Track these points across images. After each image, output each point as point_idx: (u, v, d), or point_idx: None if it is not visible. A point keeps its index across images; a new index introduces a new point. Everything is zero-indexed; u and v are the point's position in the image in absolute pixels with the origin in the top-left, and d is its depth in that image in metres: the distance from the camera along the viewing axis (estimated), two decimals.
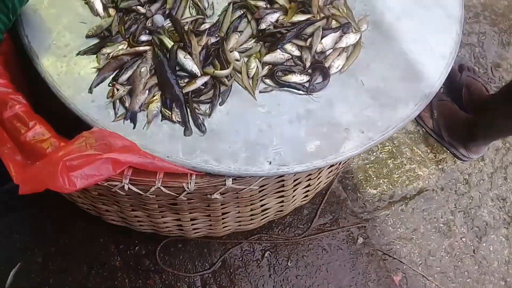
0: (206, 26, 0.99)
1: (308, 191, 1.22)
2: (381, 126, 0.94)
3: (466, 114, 1.71)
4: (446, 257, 1.60)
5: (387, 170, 1.69)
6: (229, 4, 1.02)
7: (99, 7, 0.97)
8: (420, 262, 1.58)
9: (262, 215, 1.22)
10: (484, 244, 1.63)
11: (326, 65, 0.98)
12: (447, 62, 1.02)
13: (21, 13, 0.92)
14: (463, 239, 1.64)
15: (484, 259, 1.62)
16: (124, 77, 0.92)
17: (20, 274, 1.28)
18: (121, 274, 1.33)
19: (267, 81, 0.97)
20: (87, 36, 0.95)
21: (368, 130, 0.93)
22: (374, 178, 1.67)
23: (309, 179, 1.14)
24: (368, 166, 1.69)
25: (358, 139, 0.92)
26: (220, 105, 0.93)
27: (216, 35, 0.99)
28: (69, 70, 0.92)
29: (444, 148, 1.76)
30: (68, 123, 0.89)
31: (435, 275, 1.57)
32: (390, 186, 1.67)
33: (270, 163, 0.88)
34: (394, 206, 1.64)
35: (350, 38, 1.00)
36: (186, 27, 0.97)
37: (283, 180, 1.03)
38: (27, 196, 0.81)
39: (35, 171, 0.81)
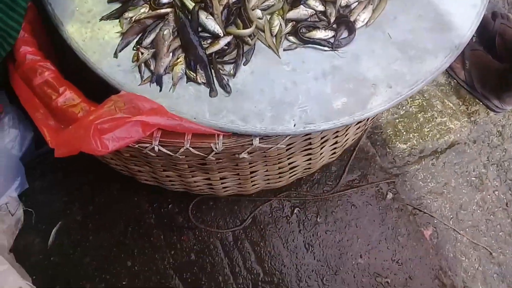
0: None
1: (335, 148, 1.22)
2: (410, 80, 0.91)
3: (500, 63, 1.64)
4: (478, 211, 1.59)
5: (417, 124, 1.66)
6: None
7: None
8: (451, 216, 1.57)
9: (290, 173, 1.23)
10: None
11: (352, 19, 0.95)
12: (478, 11, 0.97)
13: None
14: (496, 193, 1.61)
15: None
16: (148, 40, 0.92)
17: (61, 232, 1.36)
18: (156, 231, 1.38)
19: (291, 38, 0.95)
20: (109, 1, 0.95)
21: (396, 85, 0.91)
22: (404, 133, 1.64)
23: (336, 136, 1.13)
24: (397, 120, 1.65)
25: (386, 94, 0.90)
26: (244, 65, 0.93)
27: None
28: (94, 36, 0.93)
29: (477, 100, 1.70)
30: (95, 88, 0.91)
31: (467, 229, 1.56)
32: (421, 140, 1.64)
33: (296, 121, 0.88)
34: (425, 161, 1.62)
35: None
36: None
37: (310, 138, 1.03)
38: (63, 158, 0.84)
39: (68, 135, 0.84)
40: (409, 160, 1.61)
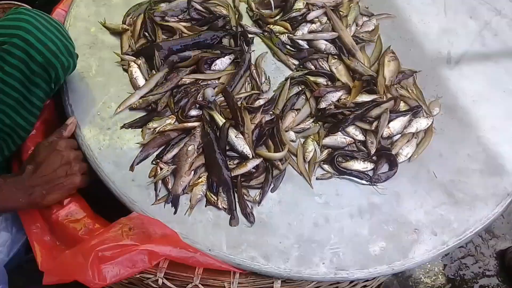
0: (260, 102, 0.91)
1: None
2: (457, 229, 0.81)
3: None
4: None
5: (443, 257, 1.52)
6: (286, 79, 0.95)
7: (141, 83, 0.91)
8: None
9: None
10: None
11: (393, 152, 0.88)
12: None
13: (66, 80, 0.87)
14: None
15: None
16: (170, 155, 0.84)
17: None
18: None
19: (326, 167, 0.87)
20: (131, 109, 0.88)
21: (442, 233, 0.81)
22: (428, 265, 1.50)
23: (367, 280, 1.00)
24: None
25: (430, 243, 0.80)
26: (271, 191, 0.84)
27: (271, 113, 0.91)
28: (112, 144, 0.85)
29: None
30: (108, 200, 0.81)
31: None
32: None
33: (327, 265, 0.77)
34: None
35: (421, 123, 0.90)
36: (239, 103, 0.89)
37: (338, 284, 0.90)
38: None
39: (63, 260, 0.73)
40: None
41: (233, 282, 0.77)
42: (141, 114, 0.89)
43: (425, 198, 0.84)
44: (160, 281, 0.76)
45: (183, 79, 0.92)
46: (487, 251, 1.56)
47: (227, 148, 0.86)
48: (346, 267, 0.77)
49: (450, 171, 0.87)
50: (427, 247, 0.79)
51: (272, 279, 0.77)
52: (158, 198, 0.81)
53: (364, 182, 0.85)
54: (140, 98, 0.89)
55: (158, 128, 0.86)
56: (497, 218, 0.84)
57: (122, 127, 0.86)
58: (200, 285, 0.77)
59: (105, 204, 0.82)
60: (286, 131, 0.89)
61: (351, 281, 0.91)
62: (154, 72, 0.91)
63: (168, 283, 0.77)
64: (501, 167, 0.88)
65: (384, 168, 0.87)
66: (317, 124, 0.91)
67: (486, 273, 1.52)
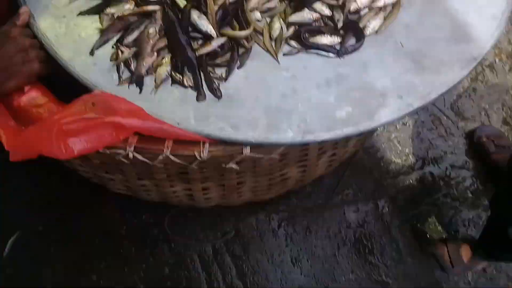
0: None
1: (332, 160, 1.13)
2: (422, 91, 0.83)
3: None
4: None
5: (414, 138, 1.59)
6: None
7: None
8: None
9: (281, 185, 1.13)
10: None
11: (361, 25, 0.87)
12: (499, 23, 0.90)
13: None
14: None
15: None
16: (130, 38, 0.83)
17: (19, 243, 1.23)
18: (127, 243, 1.27)
19: (292, 43, 0.86)
20: None
21: (408, 96, 0.82)
22: (399, 147, 1.57)
23: (335, 148, 1.04)
24: (393, 135, 1.58)
25: (396, 105, 0.82)
26: (238, 68, 0.84)
27: None
28: (69, 32, 0.83)
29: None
30: (71, 90, 0.80)
31: None
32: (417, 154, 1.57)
33: (294, 130, 0.79)
34: (420, 174, 1.54)
35: None
36: None
37: (307, 149, 0.94)
38: (24, 162, 0.74)
39: (27, 135, 0.73)
40: (404, 173, 1.54)
41: (203, 151, 0.78)
42: (98, 1, 0.85)
43: (391, 66, 0.84)
44: (130, 155, 0.78)
45: None
46: (456, 131, 1.63)
47: (190, 29, 0.83)
48: (313, 131, 0.79)
49: (417, 41, 0.87)
50: (392, 109, 0.81)
51: (241, 145, 0.79)
52: (122, 80, 0.80)
53: (331, 55, 0.85)
54: None
55: (116, 14, 0.83)
56: (461, 81, 0.85)
57: (79, 14, 0.84)
58: (171, 156, 0.78)
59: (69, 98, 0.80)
60: (251, 11, 0.86)
61: (320, 146, 0.95)
62: None
63: (139, 156, 0.79)
64: (467, 34, 0.88)
65: (352, 41, 0.86)
66: (283, 3, 0.88)
67: (455, 151, 1.60)
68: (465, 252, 1.40)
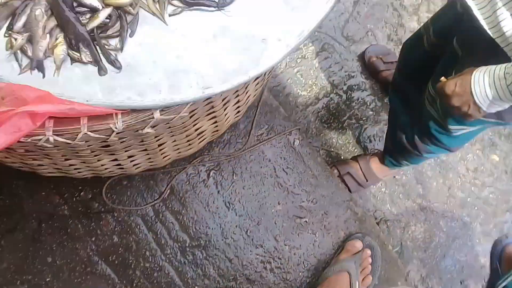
0: None
1: (238, 107, 1.23)
2: (296, 31, 0.93)
3: None
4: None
5: (314, 70, 1.73)
6: None
7: None
8: (356, 151, 1.69)
9: (199, 139, 1.23)
10: None
11: None
12: None
13: None
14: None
15: None
16: (19, 23, 0.84)
17: None
18: (72, 221, 1.33)
19: (175, 2, 0.92)
20: None
21: (285, 37, 0.92)
22: (303, 80, 1.70)
23: (237, 96, 1.14)
24: (295, 70, 1.71)
25: (276, 48, 0.91)
26: (130, 36, 0.89)
27: None
28: None
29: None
30: None
31: None
32: (319, 84, 1.71)
33: (194, 87, 0.87)
34: (325, 102, 1.70)
35: None
36: None
37: (211, 102, 1.03)
38: None
39: None
40: (311, 105, 1.68)
41: (117, 122, 0.85)
42: None
43: (267, 11, 0.93)
44: (51, 139, 0.83)
45: None
46: (349, 56, 1.78)
47: (75, 5, 0.87)
48: (211, 84, 0.88)
49: None
50: (274, 52, 0.91)
51: (151, 110, 0.87)
52: (22, 68, 0.84)
53: (212, 8, 0.92)
54: None
55: None
56: (328, 14, 0.97)
57: None
58: (89, 132, 0.85)
59: None
60: None
61: (222, 97, 1.06)
62: None
63: (60, 138, 0.84)
64: None
65: None
66: None
67: (352, 75, 1.76)
68: (375, 164, 1.60)
